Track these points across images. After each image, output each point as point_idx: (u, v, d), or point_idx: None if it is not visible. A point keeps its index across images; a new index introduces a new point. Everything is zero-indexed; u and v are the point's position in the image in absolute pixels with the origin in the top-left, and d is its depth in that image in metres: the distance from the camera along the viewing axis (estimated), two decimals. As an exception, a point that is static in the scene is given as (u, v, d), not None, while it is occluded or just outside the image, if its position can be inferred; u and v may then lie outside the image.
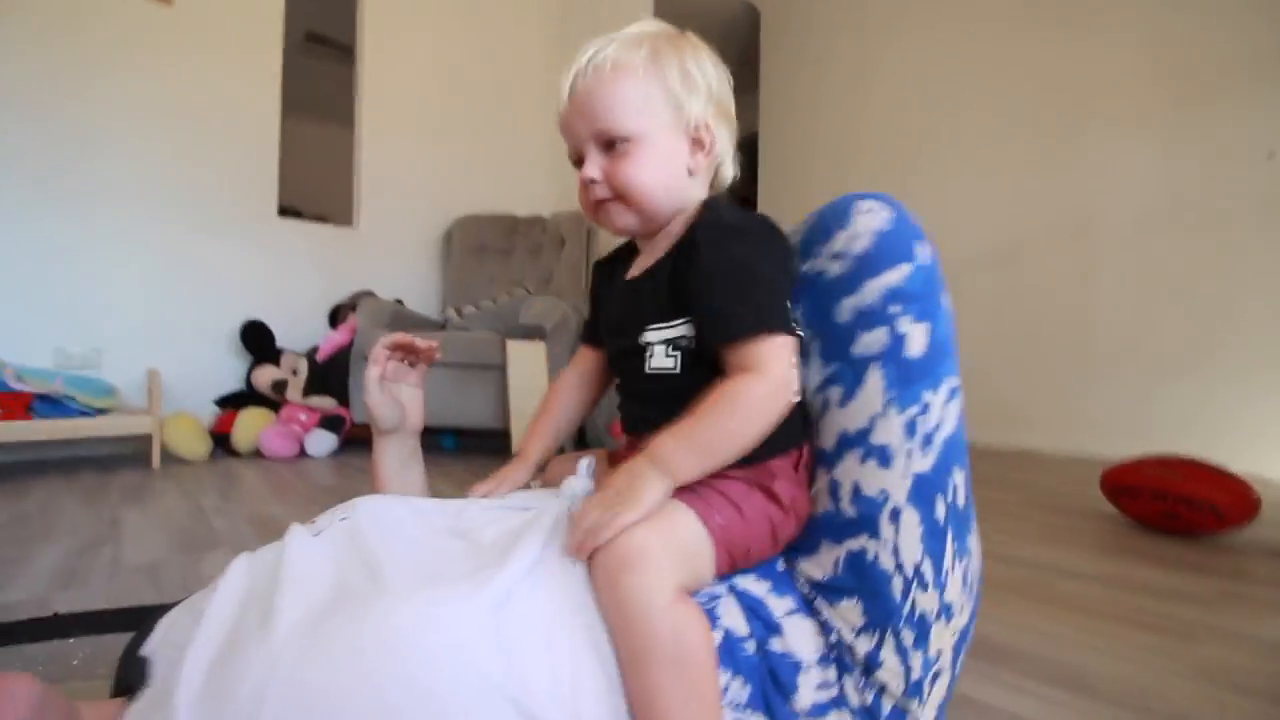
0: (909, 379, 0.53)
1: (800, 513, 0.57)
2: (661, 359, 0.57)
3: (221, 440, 2.14)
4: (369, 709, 0.39)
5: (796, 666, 0.52)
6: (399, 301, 2.78)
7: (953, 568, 0.54)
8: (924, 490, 0.53)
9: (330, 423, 2.24)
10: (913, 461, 0.53)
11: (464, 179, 3.21)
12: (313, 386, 2.26)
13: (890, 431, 0.53)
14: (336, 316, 2.70)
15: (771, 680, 0.51)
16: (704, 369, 0.55)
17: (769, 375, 0.51)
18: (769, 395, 0.51)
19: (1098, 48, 2.51)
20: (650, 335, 0.58)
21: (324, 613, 0.44)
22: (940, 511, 0.54)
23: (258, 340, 2.44)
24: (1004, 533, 1.42)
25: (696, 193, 0.61)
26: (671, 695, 0.44)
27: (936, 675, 0.54)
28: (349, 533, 0.54)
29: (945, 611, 0.54)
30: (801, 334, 0.56)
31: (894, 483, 0.53)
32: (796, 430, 0.57)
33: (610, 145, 0.57)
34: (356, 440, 2.40)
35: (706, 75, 0.58)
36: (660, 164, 0.57)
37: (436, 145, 3.13)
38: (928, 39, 3.04)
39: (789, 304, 0.54)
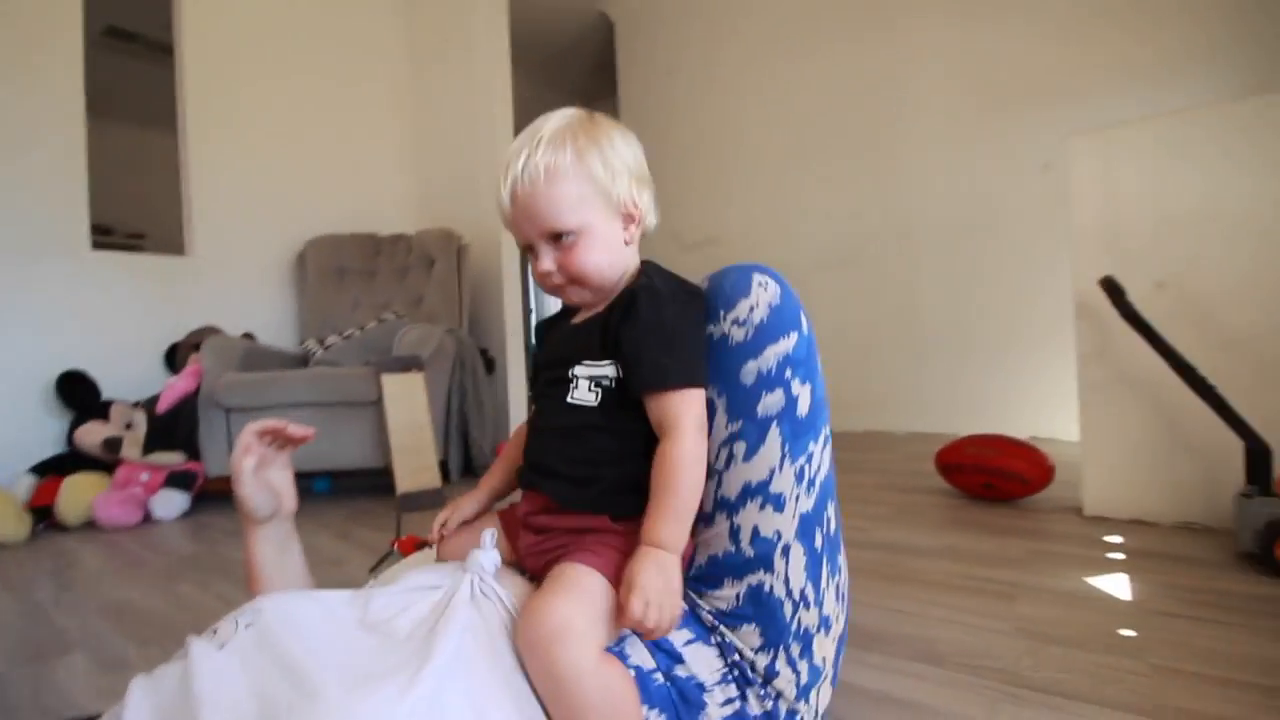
0: (799, 434, 0.63)
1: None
2: (584, 392, 0.64)
3: (43, 514, 1.86)
4: None
5: (701, 687, 0.60)
6: (249, 336, 2.55)
7: (828, 586, 0.65)
8: (807, 526, 0.63)
9: (179, 480, 2.02)
10: (799, 504, 0.63)
11: (315, 195, 2.99)
12: (154, 441, 2.02)
13: (785, 481, 0.62)
14: (174, 358, 2.43)
15: (682, 701, 0.58)
16: (616, 408, 0.62)
17: (688, 430, 0.59)
18: (696, 444, 0.60)
19: (911, 69, 2.86)
20: (579, 370, 0.64)
21: None
22: (818, 541, 0.64)
23: (78, 393, 2.14)
24: (862, 518, 1.61)
25: (633, 257, 0.69)
26: None
27: (821, 679, 0.65)
28: (259, 641, 0.52)
29: (824, 624, 0.65)
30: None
31: (785, 524, 0.62)
32: None
33: (557, 238, 0.63)
34: (210, 496, 2.18)
35: (622, 155, 0.65)
36: (602, 247, 0.64)
37: (281, 158, 2.88)
38: (771, 58, 3.28)
39: (705, 361, 0.63)
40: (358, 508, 2.04)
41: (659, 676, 0.58)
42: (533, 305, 5.13)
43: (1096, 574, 1.19)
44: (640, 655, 0.59)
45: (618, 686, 0.53)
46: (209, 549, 1.65)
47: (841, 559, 0.69)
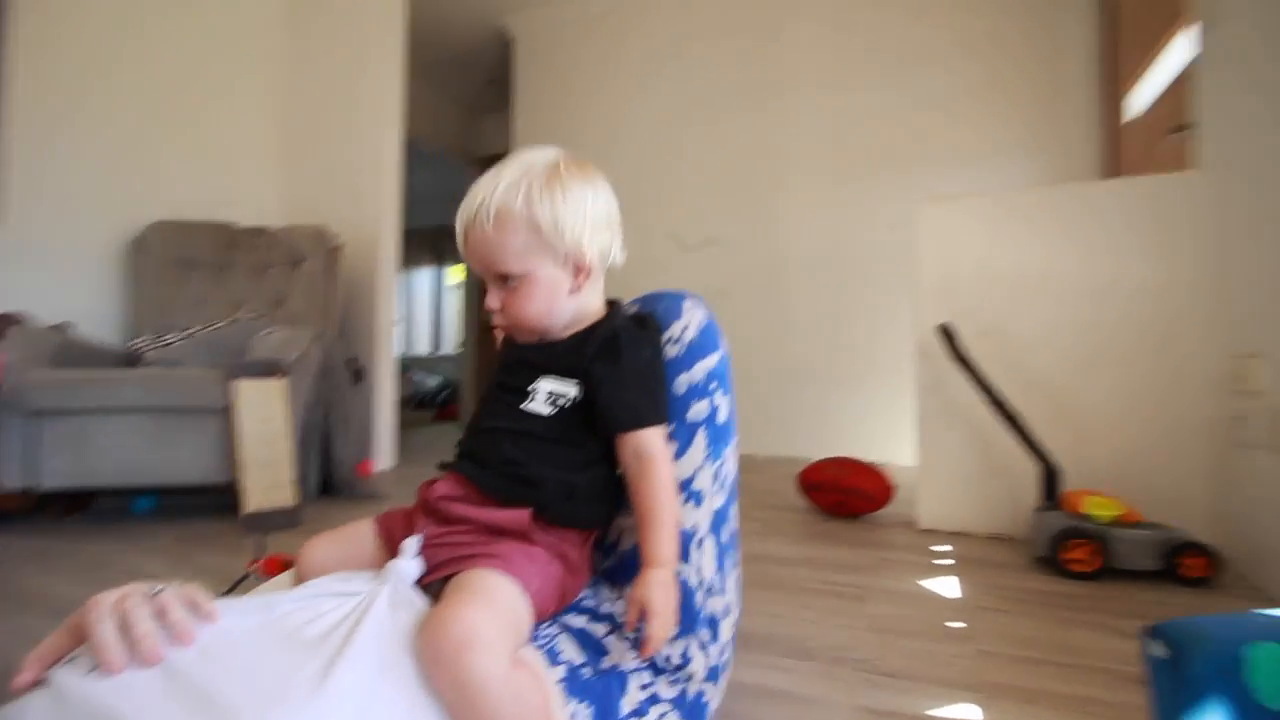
0: (718, 439, 0.71)
1: (585, 574, 0.69)
2: (540, 404, 0.67)
3: None
4: None
5: (623, 676, 0.63)
6: (64, 326, 2.20)
7: (730, 575, 0.72)
8: (718, 521, 0.70)
9: (-42, 492, 1.68)
10: (713, 500, 0.70)
11: (162, 174, 2.65)
12: (-74, 446, 1.67)
13: (704, 480, 0.69)
14: (-41, 347, 2.03)
15: (606, 692, 0.60)
16: (568, 424, 0.66)
17: (660, 455, 0.65)
18: (671, 471, 0.66)
19: (789, 128, 3.16)
20: (542, 384, 0.67)
21: None
22: (725, 536, 0.71)
23: None
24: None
25: (589, 301, 0.70)
26: None
27: (726, 661, 0.71)
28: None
29: (727, 611, 0.71)
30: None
31: (701, 518, 0.69)
32: (599, 518, 0.70)
33: (504, 279, 0.66)
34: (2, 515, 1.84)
35: (580, 206, 0.66)
36: (544, 295, 0.66)
37: (124, 126, 2.53)
38: (658, 92, 3.46)
39: (667, 397, 0.70)
40: (191, 529, 1.81)
41: (587, 670, 0.60)
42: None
43: (930, 577, 1.37)
44: (570, 651, 0.61)
45: (527, 694, 0.52)
46: (5, 575, 1.39)
47: (739, 554, 0.76)
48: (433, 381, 6.30)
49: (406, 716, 0.48)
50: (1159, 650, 0.52)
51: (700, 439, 0.70)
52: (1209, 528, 1.42)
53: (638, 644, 0.66)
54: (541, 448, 0.65)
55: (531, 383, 0.67)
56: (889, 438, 2.77)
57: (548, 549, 0.63)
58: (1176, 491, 1.48)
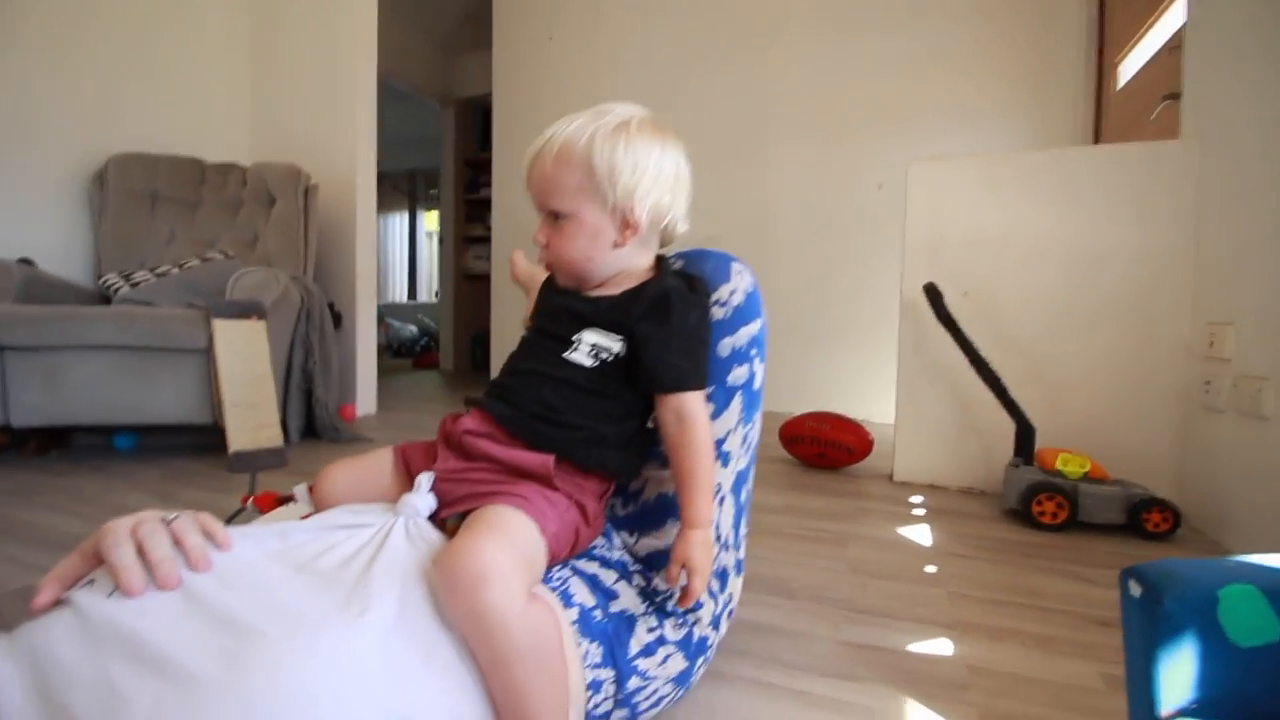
0: (752, 405, 0.73)
1: (599, 527, 0.69)
2: (582, 355, 0.66)
3: None
4: None
5: (632, 620, 0.65)
6: (26, 261, 2.11)
7: (742, 533, 0.75)
8: (739, 482, 0.73)
9: (-75, 428, 1.63)
10: (738, 462, 0.73)
11: (122, 103, 2.50)
12: (-112, 380, 1.61)
13: (734, 442, 0.72)
14: (-86, 279, 1.94)
15: (616, 633, 0.63)
16: (608, 377, 0.65)
17: (701, 419, 0.65)
18: (710, 433, 0.66)
19: (776, 87, 3.09)
20: (587, 335, 0.67)
21: (190, 678, 0.39)
22: (744, 496, 0.75)
23: None
24: (719, 482, 1.76)
25: (637, 258, 0.70)
26: (535, 686, 0.51)
27: (727, 610, 0.74)
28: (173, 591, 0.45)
29: (738, 566, 0.75)
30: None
31: (726, 478, 0.72)
32: (626, 468, 0.70)
33: (555, 217, 0.67)
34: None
35: (640, 161, 0.65)
36: (586, 237, 0.67)
37: (81, 51, 2.37)
38: (648, 43, 3.34)
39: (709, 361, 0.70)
40: (175, 467, 1.80)
41: (598, 613, 0.63)
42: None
43: (905, 525, 1.43)
44: (582, 594, 0.63)
45: (544, 628, 0.53)
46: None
47: (749, 514, 0.79)
48: (409, 330, 6.21)
49: (424, 647, 0.49)
50: (1135, 590, 0.55)
51: (737, 403, 0.72)
52: (1172, 486, 1.50)
53: (652, 595, 0.69)
54: (580, 398, 0.65)
55: (576, 333, 0.67)
56: (868, 395, 2.83)
57: (567, 496, 0.63)
58: (1143, 451, 1.55)
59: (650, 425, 0.70)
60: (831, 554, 1.24)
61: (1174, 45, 1.82)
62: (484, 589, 0.49)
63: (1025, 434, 1.53)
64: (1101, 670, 0.84)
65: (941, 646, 0.89)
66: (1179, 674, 0.50)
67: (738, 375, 0.72)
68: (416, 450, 0.70)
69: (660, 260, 0.72)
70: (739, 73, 3.17)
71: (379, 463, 0.69)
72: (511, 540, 0.54)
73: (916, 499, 1.65)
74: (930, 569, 1.18)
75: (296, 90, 2.85)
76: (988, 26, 2.74)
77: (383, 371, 4.03)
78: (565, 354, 0.67)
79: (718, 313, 0.72)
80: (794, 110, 3.06)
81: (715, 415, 0.71)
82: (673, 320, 0.65)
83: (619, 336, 0.66)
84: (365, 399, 2.79)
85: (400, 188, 7.15)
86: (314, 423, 2.25)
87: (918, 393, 1.81)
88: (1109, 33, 2.49)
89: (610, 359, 0.66)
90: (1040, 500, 1.40)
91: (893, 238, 2.06)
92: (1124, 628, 0.57)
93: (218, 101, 2.85)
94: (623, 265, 0.69)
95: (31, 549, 1.16)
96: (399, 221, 7.50)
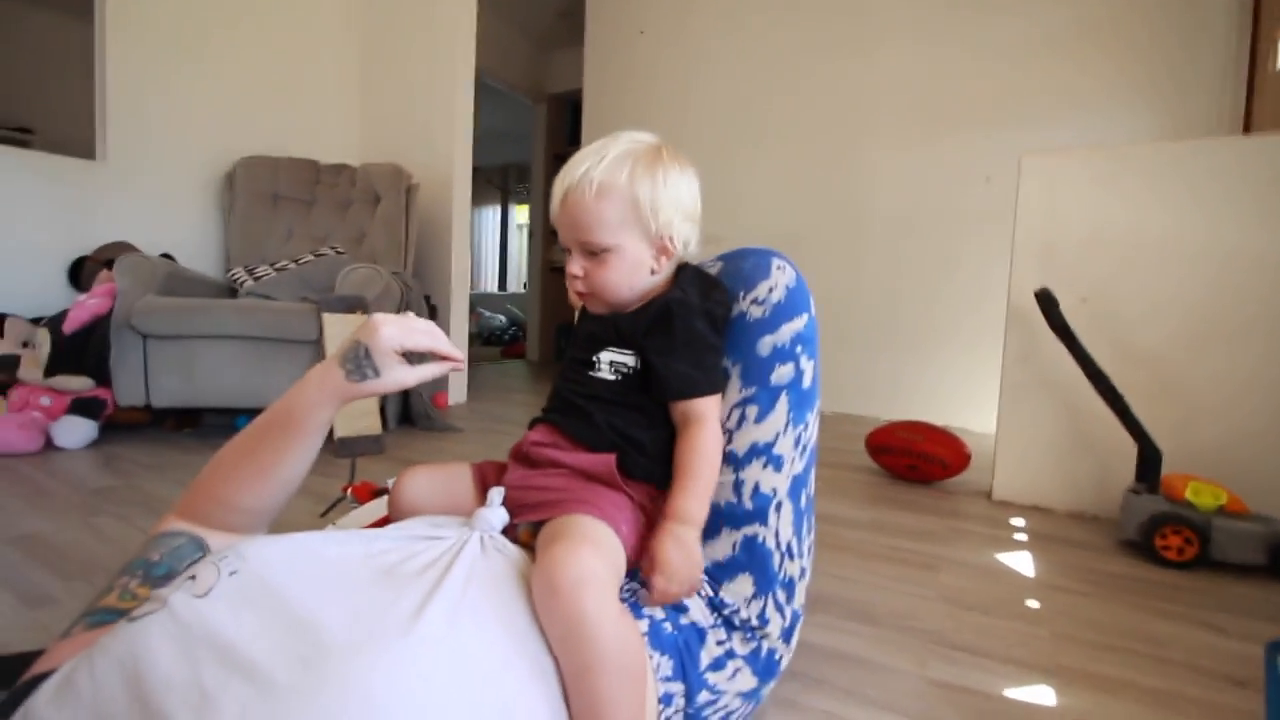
0: (802, 404, 0.70)
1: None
2: (605, 372, 0.70)
3: (-80, 435, 1.67)
4: None
5: (701, 632, 0.65)
6: (167, 257, 2.35)
7: (806, 540, 0.72)
8: (797, 487, 0.70)
9: (86, 407, 1.86)
10: (794, 466, 0.69)
11: (249, 110, 2.74)
12: (59, 363, 1.84)
13: (786, 444, 0.69)
14: (79, 274, 2.21)
15: (686, 646, 0.62)
16: (631, 389, 0.69)
17: (712, 424, 0.66)
18: (717, 438, 0.67)
19: (874, 79, 2.93)
20: (604, 354, 0.71)
21: (272, 685, 0.41)
22: (803, 501, 0.71)
23: (-38, 302, 1.92)
24: (800, 490, 1.71)
25: (661, 280, 0.72)
26: (618, 701, 0.51)
27: (799, 623, 0.72)
28: (248, 588, 0.48)
29: (803, 573, 0.72)
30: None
31: (780, 482, 0.68)
32: (668, 476, 0.69)
33: (591, 250, 0.68)
34: (118, 426, 2.03)
35: (674, 192, 0.68)
36: (628, 269, 0.69)
37: (213, 63, 2.61)
38: (743, 36, 3.27)
39: (722, 366, 0.70)
40: (288, 449, 1.95)
41: (668, 625, 0.63)
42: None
43: (1004, 551, 1.33)
44: (652, 607, 0.63)
45: (633, 638, 0.55)
46: (125, 482, 1.55)
47: (813, 519, 0.76)
48: (498, 320, 6.44)
49: (500, 657, 0.50)
50: (1285, 666, 0.49)
51: (783, 403, 0.69)
52: (1324, 523, 1.31)
53: (720, 607, 0.67)
54: (610, 410, 0.69)
55: (596, 354, 0.71)
56: (967, 405, 2.66)
57: (628, 497, 0.65)
58: (1292, 483, 1.37)
59: None
60: (920, 579, 1.17)
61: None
62: (584, 592, 0.51)
63: (1150, 457, 1.38)
64: (1234, 739, 0.74)
65: (1042, 695, 0.82)
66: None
67: (782, 374, 0.69)
68: (490, 467, 0.74)
69: (677, 271, 0.73)
70: (834, 65, 3.03)
71: (458, 474, 0.73)
72: (600, 547, 0.56)
73: (1018, 521, 1.54)
74: (1032, 604, 1.09)
75: (400, 92, 3.00)
76: (1111, 3, 2.47)
77: (472, 360, 4.20)
78: (591, 372, 0.71)
79: (756, 311, 0.70)
80: (893, 102, 2.90)
81: (760, 418, 0.69)
82: (675, 330, 0.66)
83: (630, 351, 0.69)
84: (457, 389, 2.92)
85: (493, 181, 7.42)
86: (409, 411, 2.38)
87: (1023, 404, 1.68)
88: (1267, 2, 2.18)
89: (629, 372, 0.69)
90: (1165, 533, 1.26)
91: (1001, 237, 1.91)
92: (1268, 702, 0.50)
93: (331, 105, 3.06)
94: (650, 288, 0.71)
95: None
96: (491, 214, 7.79)
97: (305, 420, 0.64)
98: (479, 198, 7.18)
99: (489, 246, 7.88)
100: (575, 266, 0.69)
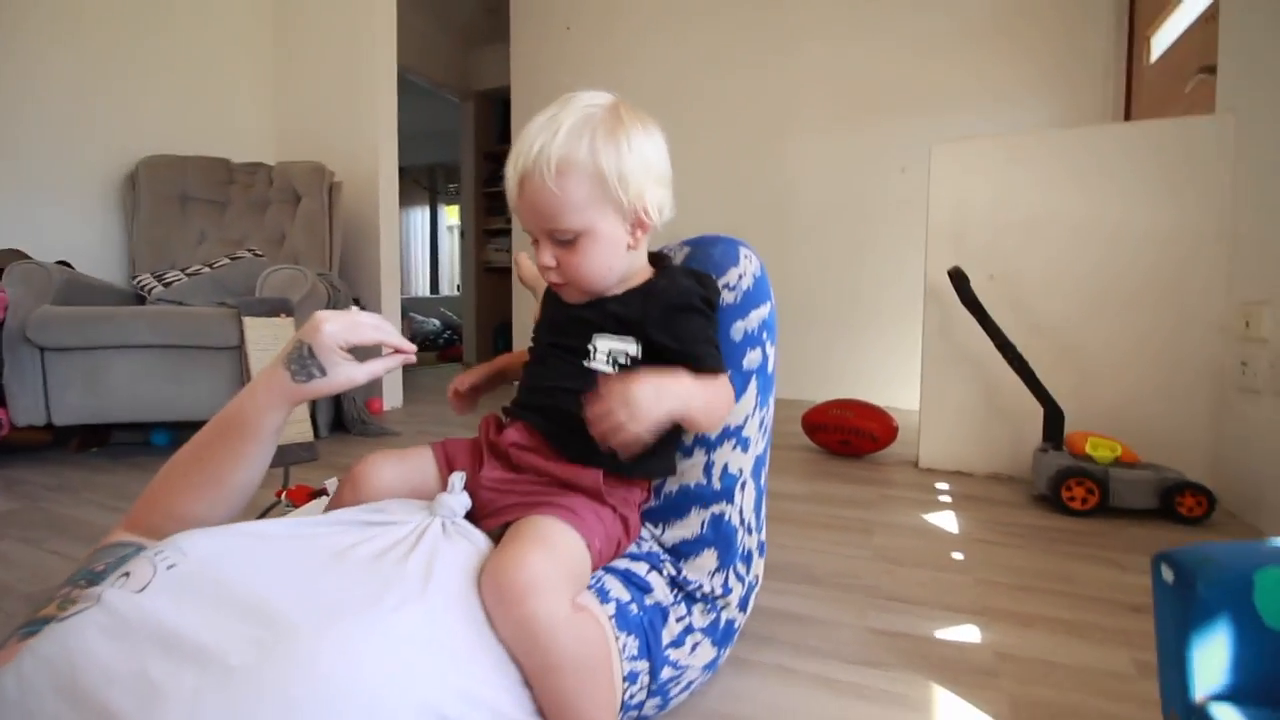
0: (767, 388, 0.73)
1: (634, 533, 0.70)
2: (602, 364, 0.64)
3: None
4: None
5: (665, 612, 0.67)
6: (64, 264, 2.18)
7: (762, 515, 0.76)
8: (758, 466, 0.74)
9: (-24, 427, 1.70)
10: (757, 447, 0.73)
11: (152, 107, 2.56)
12: (-59, 381, 1.68)
13: (752, 427, 0.72)
14: (-39, 283, 2.01)
15: (651, 625, 0.64)
16: None
17: (729, 388, 0.66)
18: (730, 402, 0.67)
19: (797, 73, 3.05)
20: (601, 342, 0.64)
21: (227, 670, 0.40)
22: (763, 479, 0.75)
23: None
24: (742, 470, 1.76)
25: (639, 259, 0.68)
26: (583, 695, 0.52)
27: (754, 592, 0.75)
28: (191, 580, 0.46)
29: (760, 548, 0.76)
30: None
31: (746, 463, 0.71)
32: (665, 468, 0.71)
33: (562, 234, 0.62)
34: (15, 449, 1.87)
35: (642, 156, 0.62)
36: (604, 251, 0.63)
37: (111, 56, 2.42)
38: (669, 32, 3.31)
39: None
40: (212, 461, 1.85)
41: (634, 607, 0.63)
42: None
43: (931, 512, 1.42)
44: (618, 590, 0.63)
45: (590, 634, 0.54)
46: (29, 504, 1.43)
47: (766, 496, 0.80)
48: (432, 324, 6.27)
49: (465, 642, 0.49)
50: (1168, 575, 0.55)
51: (753, 387, 0.71)
52: (1206, 469, 1.47)
53: (681, 584, 0.69)
54: None
55: (588, 340, 0.65)
56: (892, 382, 2.80)
57: (613, 510, 0.64)
58: (1175, 434, 1.52)
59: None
60: (857, 541, 1.24)
61: (1209, 16, 1.76)
62: (530, 599, 0.50)
63: (1054, 418, 1.51)
64: (1133, 656, 0.83)
65: (970, 633, 0.89)
66: (1213, 659, 0.50)
67: (751, 359, 0.71)
68: (459, 447, 0.70)
69: (657, 256, 0.72)
70: (758, 59, 3.13)
71: (421, 458, 0.69)
72: (555, 551, 0.55)
73: (942, 485, 1.64)
74: (957, 555, 1.17)
75: (319, 88, 2.88)
76: (1008, 5, 2.66)
77: (408, 364, 4.08)
78: (586, 362, 0.64)
79: (728, 297, 0.71)
80: (815, 97, 3.02)
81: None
82: (691, 323, 0.63)
83: (632, 338, 0.64)
84: (392, 393, 2.83)
85: (421, 182, 7.21)
86: (342, 417, 2.29)
87: (943, 378, 1.79)
88: (1140, 4, 2.41)
89: (628, 363, 0.64)
90: (1070, 485, 1.38)
91: (917, 223, 2.02)
92: (1156, 613, 0.56)
93: (243, 101, 2.90)
94: (628, 270, 0.66)
95: (79, 544, 1.20)
96: (420, 216, 7.57)
97: (254, 426, 0.63)
98: (406, 199, 6.96)
99: (419, 249, 7.65)
100: (547, 256, 0.63)
